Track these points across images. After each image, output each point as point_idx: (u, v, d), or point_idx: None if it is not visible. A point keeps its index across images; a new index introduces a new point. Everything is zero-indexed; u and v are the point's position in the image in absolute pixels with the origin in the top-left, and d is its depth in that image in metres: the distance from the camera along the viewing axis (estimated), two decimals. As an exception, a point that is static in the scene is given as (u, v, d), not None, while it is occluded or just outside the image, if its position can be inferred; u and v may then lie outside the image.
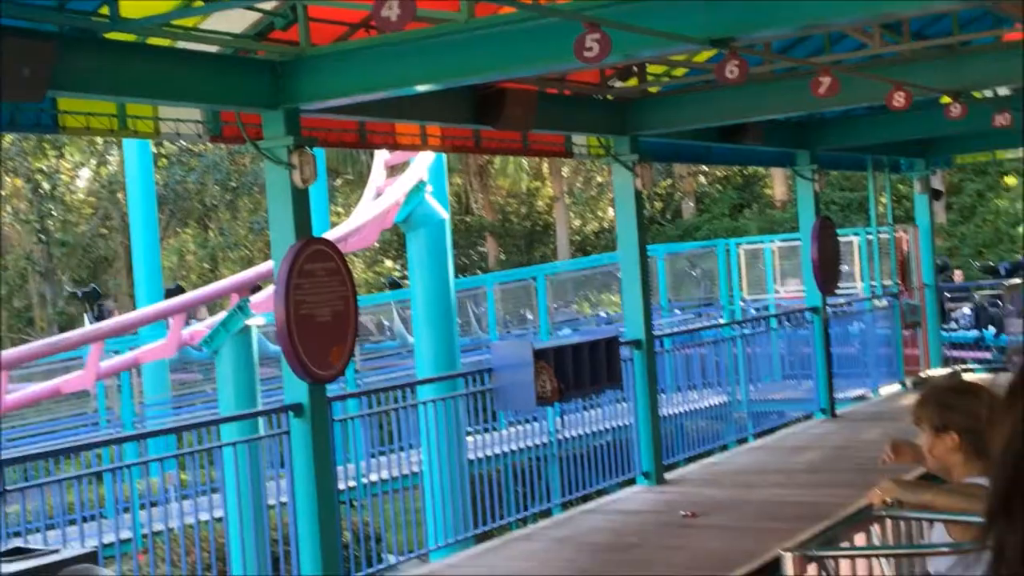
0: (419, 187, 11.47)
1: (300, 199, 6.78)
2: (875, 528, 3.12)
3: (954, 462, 3.51)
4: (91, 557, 5.13)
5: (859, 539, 3.07)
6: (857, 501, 8.32)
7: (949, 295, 19.43)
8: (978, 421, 3.50)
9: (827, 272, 12.43)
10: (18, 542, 5.88)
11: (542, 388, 8.40)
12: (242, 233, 32.29)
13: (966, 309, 19.71)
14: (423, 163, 11.63)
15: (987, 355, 17.96)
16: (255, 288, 11.27)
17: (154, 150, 24.83)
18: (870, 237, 16.43)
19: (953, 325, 19.09)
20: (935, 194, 16.81)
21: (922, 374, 14.73)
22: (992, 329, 18.85)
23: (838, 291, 13.82)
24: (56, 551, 5.11)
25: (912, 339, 15.46)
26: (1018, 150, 15.80)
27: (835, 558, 2.83)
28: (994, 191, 30.21)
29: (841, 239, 13.94)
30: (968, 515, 3.15)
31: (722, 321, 17.24)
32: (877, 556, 3.04)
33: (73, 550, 5.28)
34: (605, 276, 22.82)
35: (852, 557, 2.95)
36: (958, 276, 21.80)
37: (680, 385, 11.76)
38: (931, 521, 3.18)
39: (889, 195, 15.61)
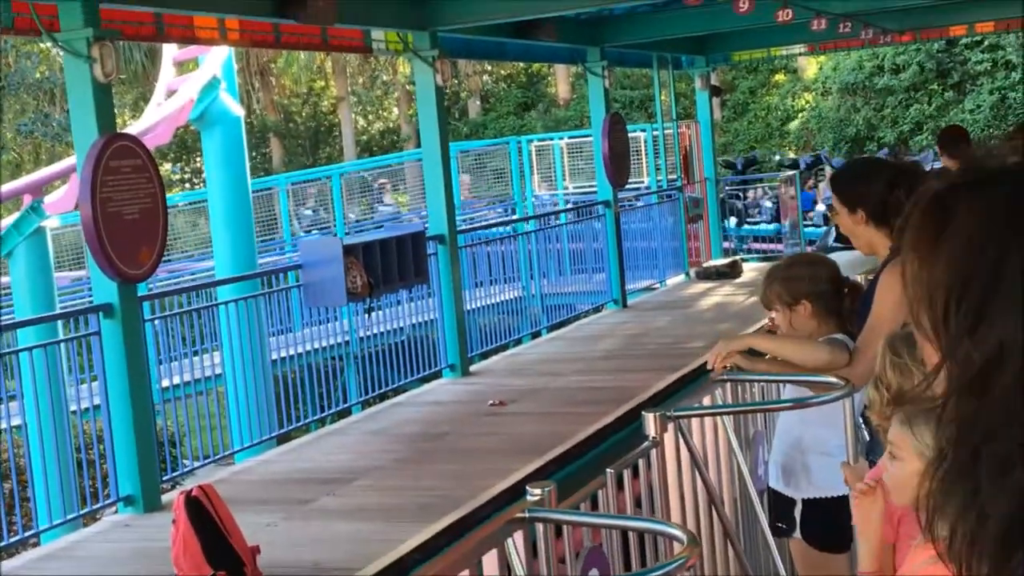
0: (213, 84, 11.20)
1: (102, 93, 6.57)
2: (719, 391, 3.37)
3: (811, 328, 3.89)
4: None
5: (707, 401, 3.31)
6: (656, 383, 8.79)
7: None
8: (820, 283, 3.89)
9: (618, 166, 12.80)
10: None
11: (352, 284, 8.45)
12: (9, 136, 30.76)
13: None
14: (216, 59, 11.35)
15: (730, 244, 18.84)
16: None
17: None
18: (656, 133, 16.91)
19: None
20: (715, 91, 17.41)
21: (704, 264, 15.37)
22: (734, 220, 19.79)
23: (627, 185, 14.22)
24: None
25: (695, 232, 16.09)
26: (793, 47, 16.47)
27: (689, 417, 3.06)
28: (765, 88, 31.40)
29: (629, 135, 14.30)
30: (808, 360, 3.47)
31: (515, 217, 17.52)
32: (730, 414, 3.29)
33: None
34: (391, 176, 22.79)
35: (704, 416, 3.19)
36: None
37: (478, 281, 11.98)
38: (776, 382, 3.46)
39: (673, 92, 16.07)
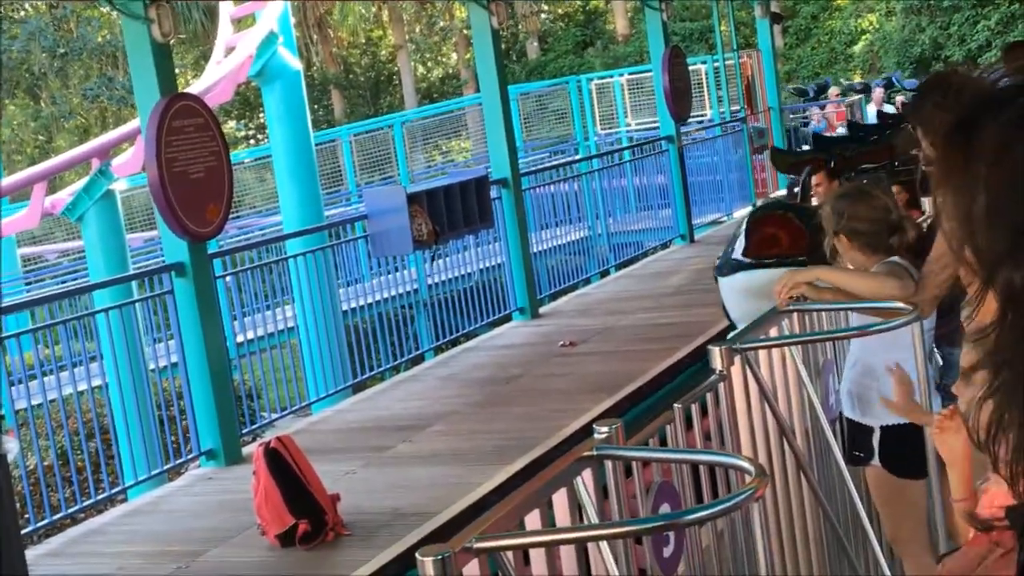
0: (271, 39, 11.23)
1: (162, 54, 6.63)
2: (785, 322, 3.36)
3: (857, 259, 3.86)
4: (-6, 427, 5.09)
5: (773, 332, 3.30)
6: (724, 318, 8.73)
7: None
8: (860, 223, 3.82)
9: (679, 100, 12.67)
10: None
11: (418, 231, 8.49)
12: (75, 101, 31.15)
13: None
14: (272, 14, 11.37)
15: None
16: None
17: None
18: (717, 64, 16.71)
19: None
20: (775, 18, 17.15)
21: (771, 195, 15.23)
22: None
23: (690, 119, 14.10)
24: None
25: (761, 164, 15.93)
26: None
27: (756, 349, 3.04)
28: (827, 12, 30.84)
29: (690, 67, 14.15)
30: (875, 292, 3.44)
31: (579, 157, 17.43)
32: (797, 344, 3.27)
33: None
34: (453, 122, 22.74)
35: (771, 347, 3.17)
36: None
37: (544, 223, 11.95)
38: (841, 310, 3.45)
39: (732, 21, 15.87)
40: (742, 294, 6.18)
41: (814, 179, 7.95)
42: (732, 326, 7.23)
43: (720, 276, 6.46)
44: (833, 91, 21.74)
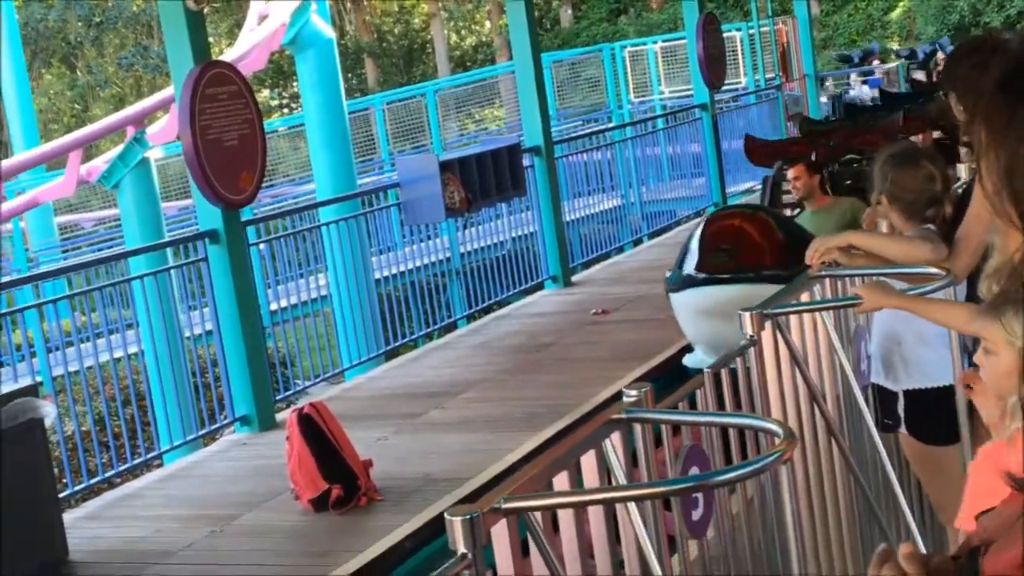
0: (303, 7, 11.25)
1: (195, 22, 6.65)
2: (817, 288, 3.35)
3: (896, 220, 3.86)
4: (32, 390, 5.17)
5: (805, 298, 3.29)
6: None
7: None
8: (901, 190, 3.81)
9: (713, 67, 12.59)
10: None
11: (450, 199, 8.50)
12: (111, 70, 31.30)
13: (824, 99, 20.04)
14: (305, -18, 11.39)
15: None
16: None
17: (10, -12, 23.70)
18: (751, 31, 16.58)
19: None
20: (811, -16, 17.01)
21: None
22: None
23: (724, 87, 14.00)
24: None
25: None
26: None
27: (787, 314, 3.04)
28: (865, -21, 30.51)
29: (724, 34, 14.05)
30: (909, 258, 3.44)
31: (612, 125, 17.36)
32: (827, 310, 3.27)
33: (13, 384, 5.31)
34: (486, 90, 22.68)
35: (802, 312, 3.17)
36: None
37: (577, 192, 11.92)
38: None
39: (768, -12, 15.74)
40: (694, 313, 5.82)
41: (791, 172, 7.19)
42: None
43: (670, 292, 6.05)
44: (941, 56, 21.29)
